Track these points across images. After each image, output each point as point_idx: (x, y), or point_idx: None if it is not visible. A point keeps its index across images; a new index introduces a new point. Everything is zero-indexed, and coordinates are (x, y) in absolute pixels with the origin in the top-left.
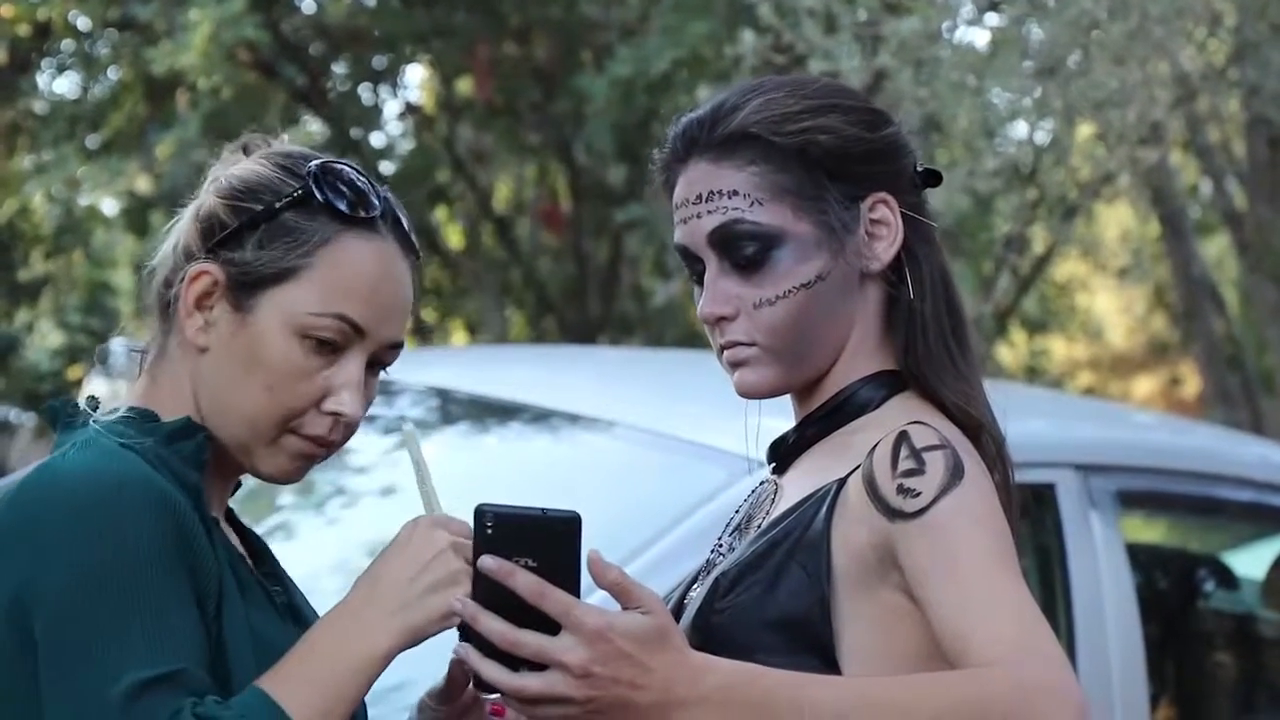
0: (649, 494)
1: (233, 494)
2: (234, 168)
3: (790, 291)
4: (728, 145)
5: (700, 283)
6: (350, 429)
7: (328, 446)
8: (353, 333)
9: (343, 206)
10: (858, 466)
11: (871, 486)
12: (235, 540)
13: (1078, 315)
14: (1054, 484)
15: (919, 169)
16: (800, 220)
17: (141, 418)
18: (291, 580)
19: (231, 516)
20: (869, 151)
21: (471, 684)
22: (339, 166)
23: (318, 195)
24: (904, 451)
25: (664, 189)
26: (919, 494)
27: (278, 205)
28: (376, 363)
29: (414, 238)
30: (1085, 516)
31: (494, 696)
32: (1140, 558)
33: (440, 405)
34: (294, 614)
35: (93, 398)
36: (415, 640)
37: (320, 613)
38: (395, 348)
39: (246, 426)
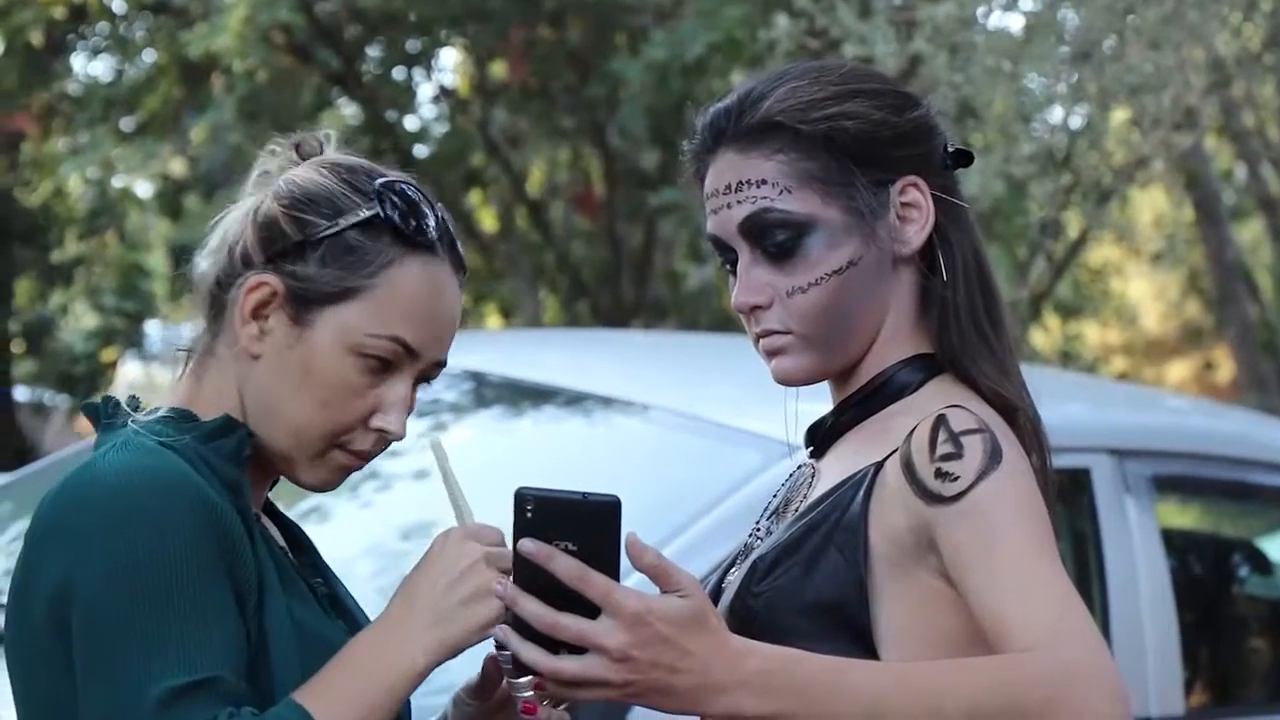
0: (684, 478)
1: (271, 488)
2: (295, 174)
3: (822, 278)
4: (755, 134)
5: (734, 272)
6: (389, 444)
7: (367, 459)
8: (405, 354)
9: (407, 230)
10: (895, 450)
11: (909, 470)
12: (275, 533)
13: (1112, 300)
14: (1089, 469)
15: (950, 149)
16: (829, 206)
17: (181, 417)
18: (331, 570)
19: (271, 508)
20: (896, 135)
21: (511, 666)
22: (402, 186)
23: (384, 216)
24: (942, 435)
25: (695, 179)
26: (957, 478)
27: (344, 224)
28: (421, 378)
29: (462, 253)
30: (1120, 501)
31: (527, 694)
32: (1174, 543)
33: (475, 388)
34: (335, 604)
35: (134, 397)
36: (452, 653)
37: (359, 601)
38: (440, 365)
39: (293, 438)
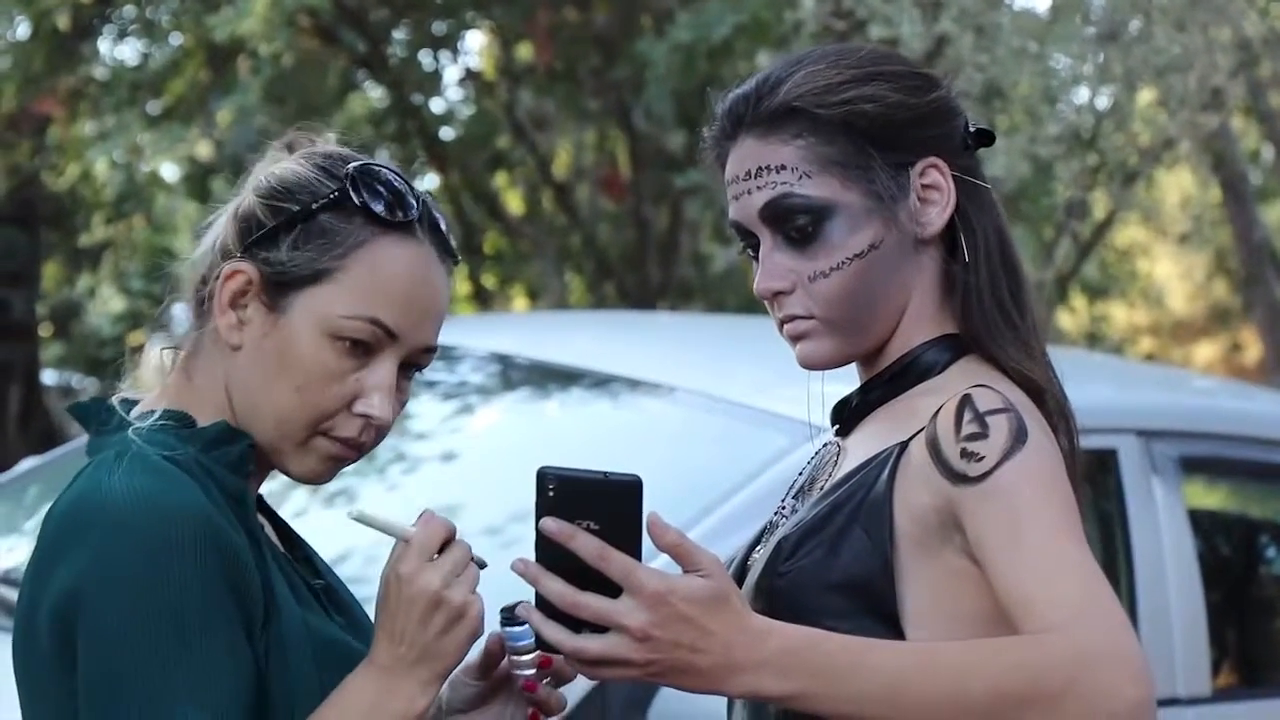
0: (710, 460)
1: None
2: (274, 167)
3: (844, 262)
4: (774, 120)
5: (756, 258)
6: (381, 432)
7: (358, 449)
8: (385, 336)
9: (379, 209)
10: (921, 430)
11: (935, 450)
12: (270, 532)
13: (1138, 281)
14: (1116, 449)
15: (971, 129)
16: (849, 190)
17: (179, 422)
18: (324, 561)
19: (261, 503)
20: (915, 117)
21: (514, 644)
22: (377, 169)
23: (354, 197)
24: (967, 415)
25: (716, 165)
26: (982, 458)
27: (314, 206)
28: (410, 365)
29: (452, 242)
30: (1147, 482)
31: (529, 672)
32: (1201, 523)
33: (501, 371)
34: (331, 598)
35: (126, 400)
36: (445, 680)
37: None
38: (429, 351)
39: (276, 427)
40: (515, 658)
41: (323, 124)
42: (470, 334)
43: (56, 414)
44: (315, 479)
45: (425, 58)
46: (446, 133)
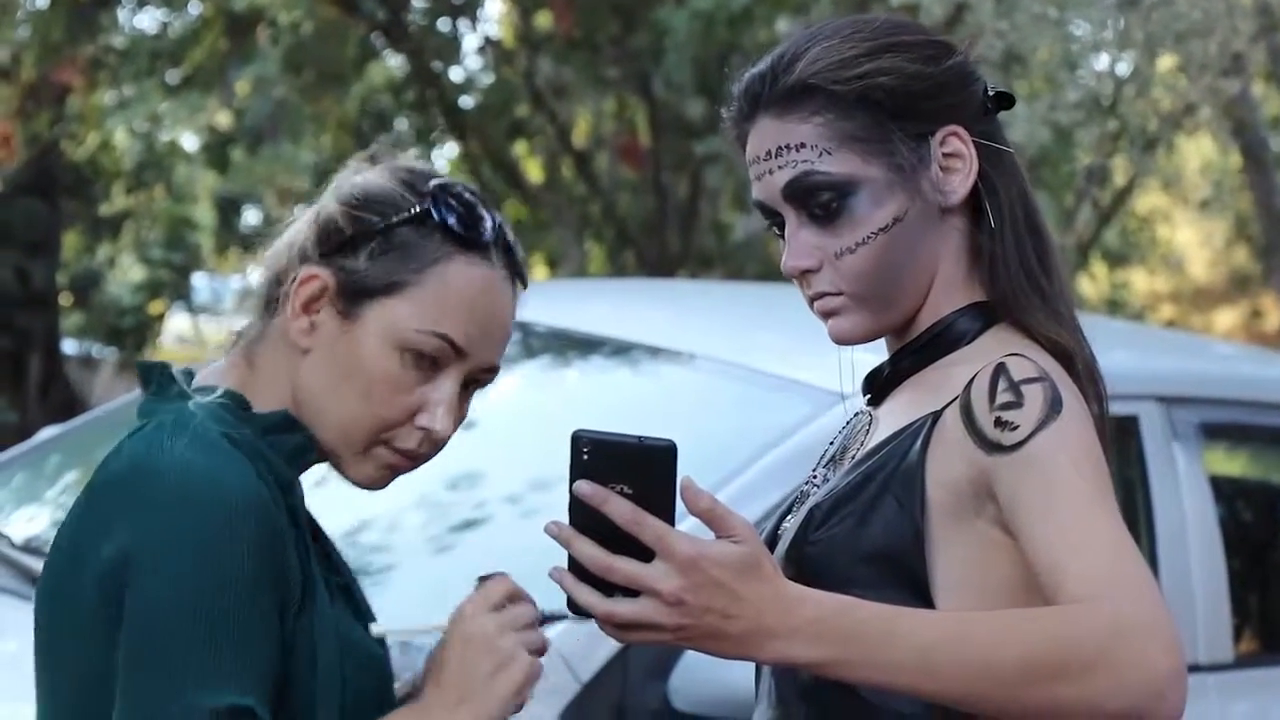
0: (731, 427)
1: None
2: (357, 177)
3: (870, 237)
4: (790, 98)
5: (783, 235)
6: (438, 445)
7: (414, 460)
8: (452, 352)
9: (457, 228)
10: (954, 399)
11: (969, 419)
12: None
13: (1159, 248)
14: (1137, 416)
15: (991, 92)
16: (870, 165)
17: (238, 404)
18: (342, 559)
19: None
20: (933, 86)
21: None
22: (458, 189)
23: (435, 214)
24: (1002, 384)
25: (737, 145)
26: (1017, 427)
27: (395, 219)
28: (472, 382)
29: (525, 267)
30: (1168, 449)
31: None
32: (1223, 490)
33: (521, 338)
34: (347, 597)
35: (189, 370)
36: None
37: (409, 551)
38: (492, 370)
39: (339, 432)
40: None
41: (341, 93)
42: None
43: (76, 383)
44: (371, 485)
45: (444, 26)
46: (466, 101)
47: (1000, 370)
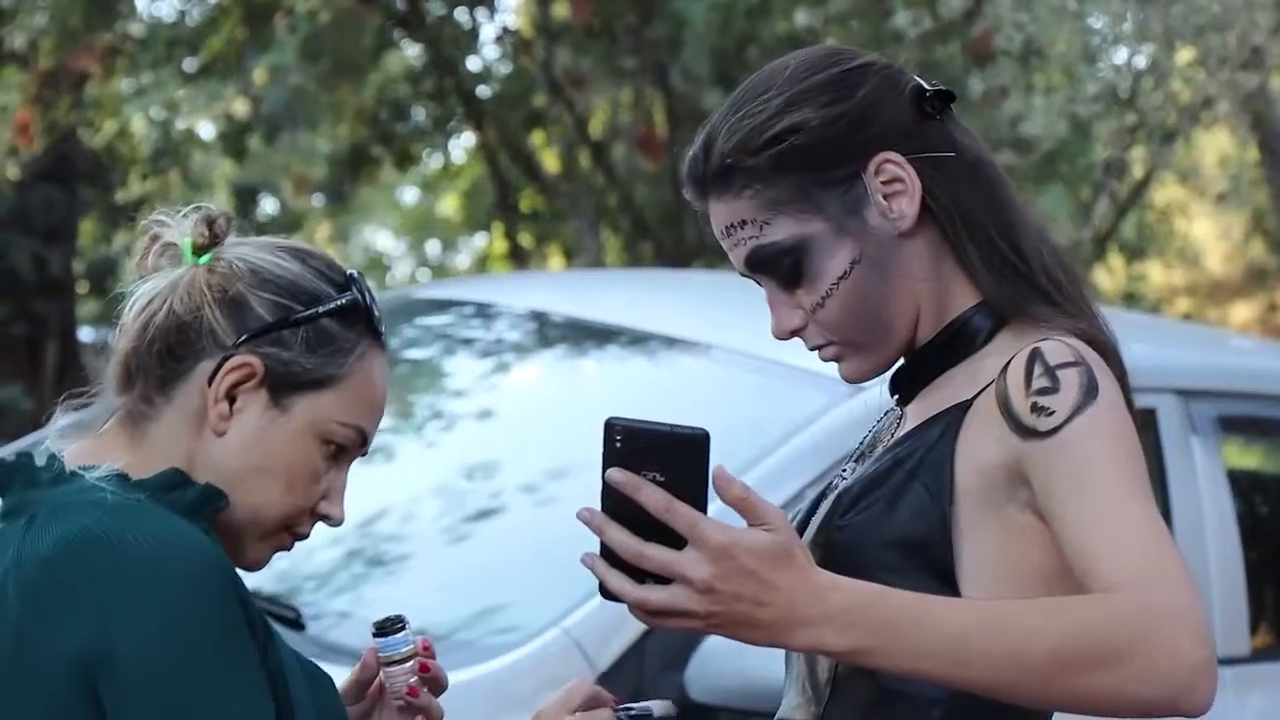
0: (747, 418)
1: None
2: (246, 254)
3: (832, 288)
4: (720, 180)
5: None
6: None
7: (299, 541)
8: (360, 442)
9: (376, 320)
10: (983, 389)
11: (1005, 404)
12: None
13: (1176, 241)
14: (1155, 409)
15: (926, 94)
16: (809, 222)
17: (122, 479)
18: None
19: None
20: (847, 125)
21: (389, 654)
22: (361, 277)
23: (362, 306)
24: (1038, 369)
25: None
26: (1053, 412)
27: (322, 310)
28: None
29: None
30: (1186, 441)
31: (412, 679)
32: (1240, 483)
33: (538, 328)
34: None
35: (53, 455)
36: None
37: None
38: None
39: (250, 518)
40: (391, 668)
41: (359, 82)
42: (507, 292)
43: (92, 370)
44: (256, 568)
45: (462, 15)
46: (483, 91)
47: (1036, 355)
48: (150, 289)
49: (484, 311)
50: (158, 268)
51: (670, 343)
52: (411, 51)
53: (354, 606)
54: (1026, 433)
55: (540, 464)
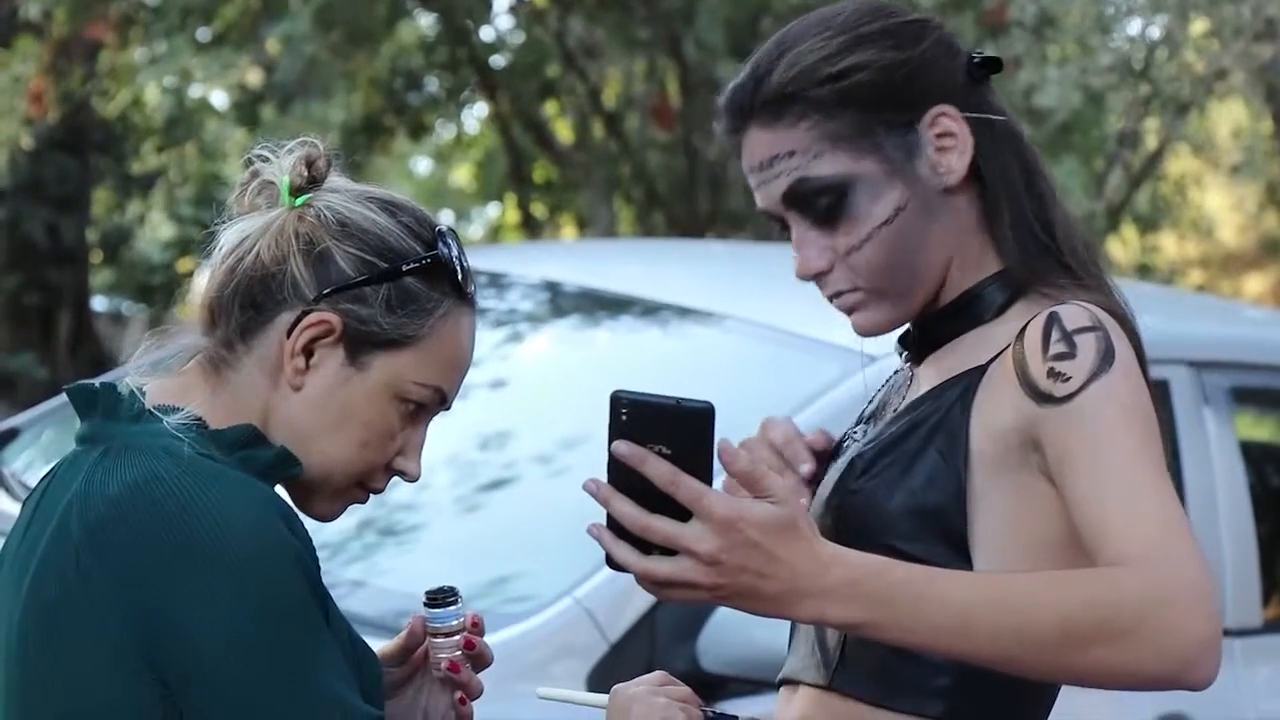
0: (760, 388)
1: None
2: (338, 204)
3: (874, 231)
4: (772, 108)
5: (791, 239)
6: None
7: (374, 495)
8: (439, 402)
9: (461, 281)
10: (998, 354)
11: (1022, 369)
12: None
13: (1189, 212)
14: (1167, 380)
15: (976, 59)
16: (862, 161)
17: (199, 427)
18: None
19: None
20: (911, 72)
21: (438, 626)
22: (453, 232)
23: (447, 265)
24: (1055, 334)
25: (735, 155)
26: (1069, 378)
27: (405, 268)
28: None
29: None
30: (1198, 413)
31: (455, 654)
32: (1252, 455)
33: (551, 298)
34: None
35: (134, 390)
36: None
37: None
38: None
39: (324, 473)
40: (439, 640)
41: (372, 51)
42: (520, 261)
43: (106, 340)
44: (329, 519)
45: None
46: (496, 61)
47: (1053, 319)
48: (241, 230)
49: (497, 281)
50: (254, 206)
51: (683, 313)
52: (425, 21)
53: (367, 575)
54: (1042, 398)
55: (553, 434)
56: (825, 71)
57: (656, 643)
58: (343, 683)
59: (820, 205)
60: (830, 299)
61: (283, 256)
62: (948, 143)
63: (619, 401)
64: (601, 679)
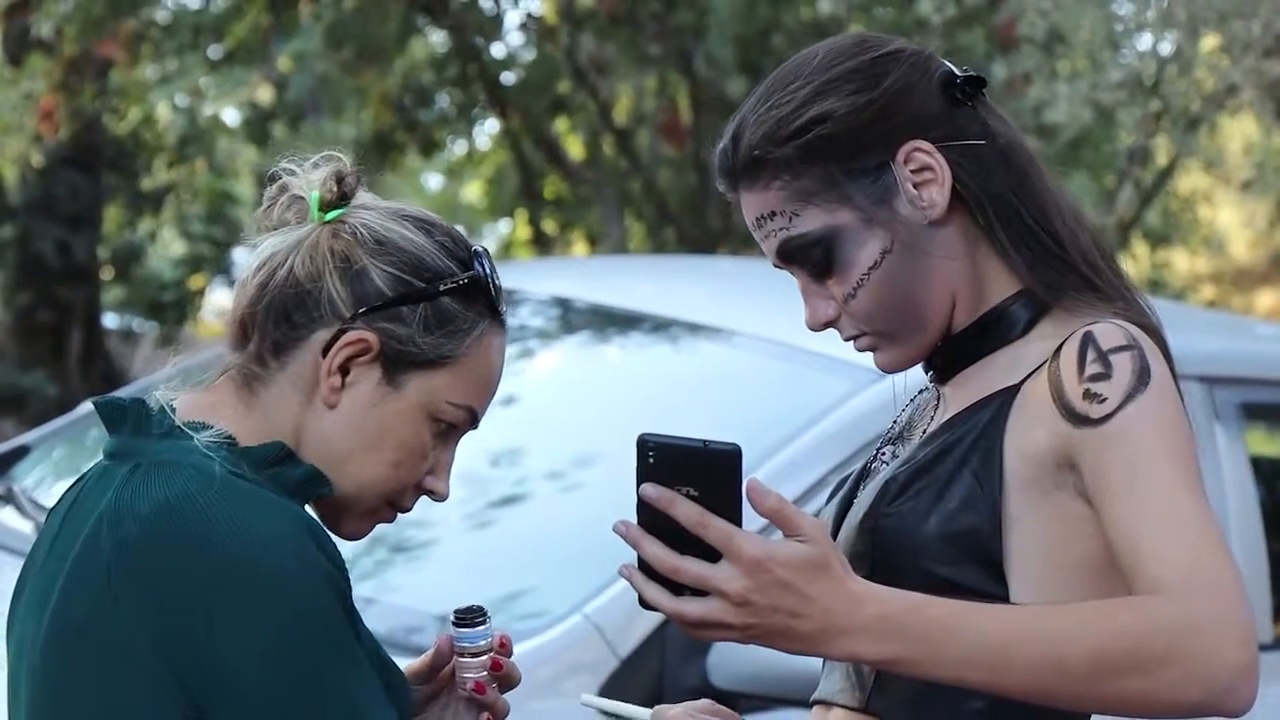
0: (770, 404)
1: None
2: (373, 221)
3: (864, 278)
4: (749, 172)
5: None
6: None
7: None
8: (470, 423)
9: (497, 301)
10: (1032, 373)
11: (1058, 390)
12: None
13: (1200, 228)
14: None
15: (957, 81)
16: (837, 213)
17: (230, 445)
18: None
19: None
20: (875, 113)
21: (465, 645)
22: (488, 254)
23: (486, 286)
24: (1090, 354)
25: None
26: (1105, 399)
27: (443, 288)
28: None
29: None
30: (1209, 429)
31: (481, 674)
32: (1263, 470)
33: (562, 314)
34: None
35: (164, 406)
36: None
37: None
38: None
39: (356, 492)
40: (466, 660)
41: (383, 68)
42: (531, 278)
43: (116, 357)
44: (357, 538)
45: (486, 2)
46: (507, 77)
47: (1089, 339)
48: (273, 246)
49: (509, 297)
50: (283, 221)
51: (694, 329)
52: (436, 38)
53: (378, 592)
54: (1078, 420)
55: (564, 450)
56: (787, 130)
57: (666, 659)
58: (375, 705)
59: (813, 258)
60: (848, 342)
61: (318, 273)
62: (925, 176)
63: (646, 445)
64: (611, 695)
